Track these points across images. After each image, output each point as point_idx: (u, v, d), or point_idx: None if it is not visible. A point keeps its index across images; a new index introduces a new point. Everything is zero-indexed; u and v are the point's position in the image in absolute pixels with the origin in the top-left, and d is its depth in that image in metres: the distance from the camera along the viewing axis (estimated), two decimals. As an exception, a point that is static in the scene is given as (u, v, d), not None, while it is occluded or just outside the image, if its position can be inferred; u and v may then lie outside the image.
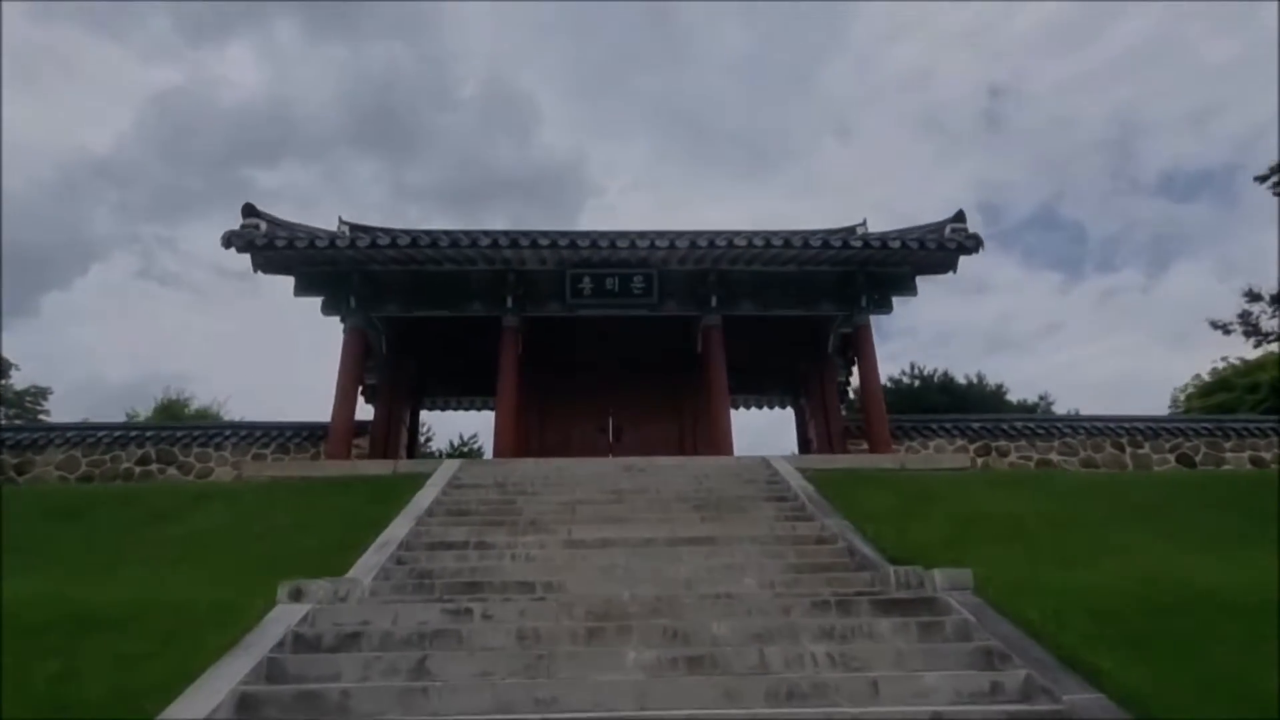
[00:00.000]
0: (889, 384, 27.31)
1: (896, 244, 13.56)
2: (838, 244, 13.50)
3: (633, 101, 75.84)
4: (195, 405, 27.68)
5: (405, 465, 11.63)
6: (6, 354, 21.32)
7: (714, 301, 14.79)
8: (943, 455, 13.73)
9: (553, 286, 14.84)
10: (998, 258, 66.61)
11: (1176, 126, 66.86)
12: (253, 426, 15.34)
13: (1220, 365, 24.93)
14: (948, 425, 16.16)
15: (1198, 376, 26.04)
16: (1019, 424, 16.27)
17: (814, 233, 13.91)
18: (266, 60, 70.60)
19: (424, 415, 19.53)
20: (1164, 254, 67.60)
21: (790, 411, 20.28)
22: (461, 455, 26.10)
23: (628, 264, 14.62)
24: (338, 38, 68.44)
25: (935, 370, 27.79)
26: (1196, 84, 62.29)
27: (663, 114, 73.32)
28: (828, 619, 5.57)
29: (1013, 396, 28.37)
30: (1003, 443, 15.93)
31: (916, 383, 27.38)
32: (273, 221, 13.40)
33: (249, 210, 13.20)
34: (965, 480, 10.90)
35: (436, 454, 26.80)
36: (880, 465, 11.83)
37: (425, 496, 9.63)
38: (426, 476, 10.78)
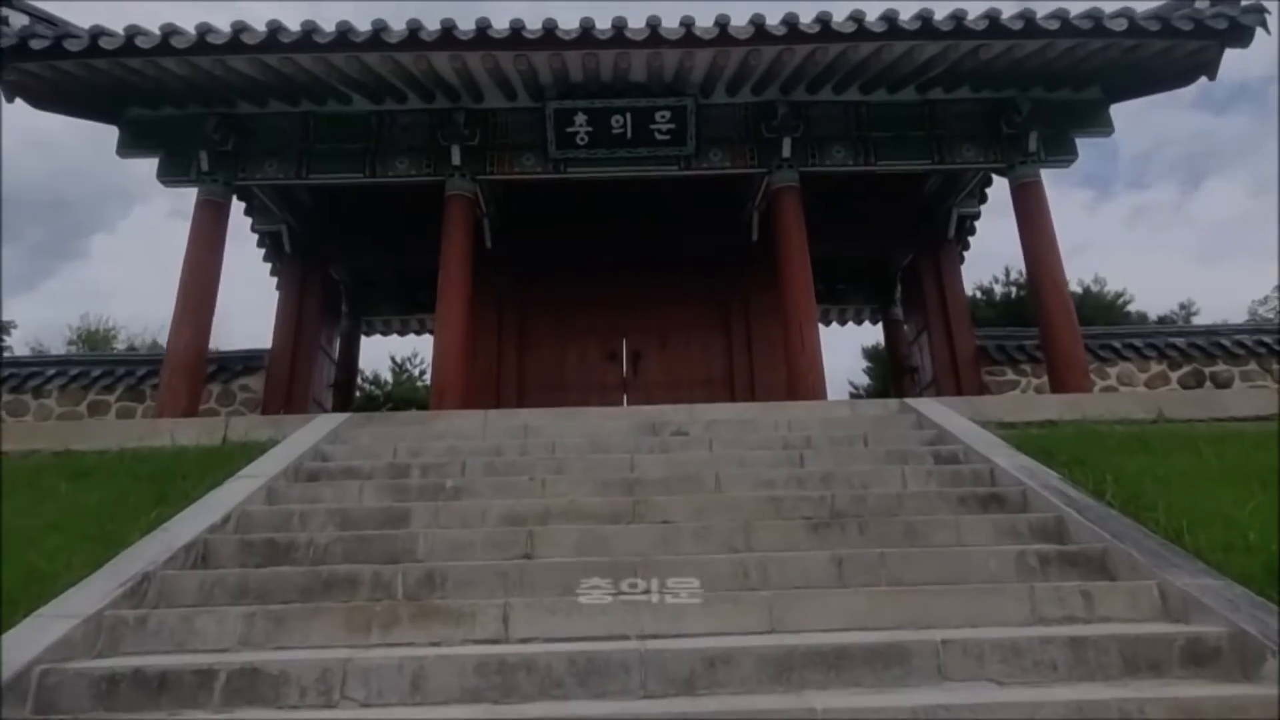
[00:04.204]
0: (978, 296, 21.57)
1: (1122, 24, 7.67)
2: (1017, 25, 7.66)
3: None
4: (123, 340, 22.74)
5: (246, 426, 6.37)
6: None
7: (786, 149, 9.14)
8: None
9: (526, 132, 9.24)
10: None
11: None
12: (92, 361, 10.32)
13: None
14: (1136, 343, 10.63)
15: None
16: (1245, 339, 10.69)
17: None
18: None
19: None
20: (1197, 171, 60.84)
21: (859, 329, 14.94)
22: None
23: (646, 90, 8.93)
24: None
25: (1040, 276, 21.78)
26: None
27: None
28: None
29: (1134, 308, 22.45)
30: (1222, 367, 10.48)
31: (1014, 291, 21.45)
32: (36, 15, 7.83)
33: (-8, -6, 7.62)
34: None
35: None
36: (1119, 412, 6.36)
37: (210, 510, 4.39)
38: (265, 450, 5.57)
